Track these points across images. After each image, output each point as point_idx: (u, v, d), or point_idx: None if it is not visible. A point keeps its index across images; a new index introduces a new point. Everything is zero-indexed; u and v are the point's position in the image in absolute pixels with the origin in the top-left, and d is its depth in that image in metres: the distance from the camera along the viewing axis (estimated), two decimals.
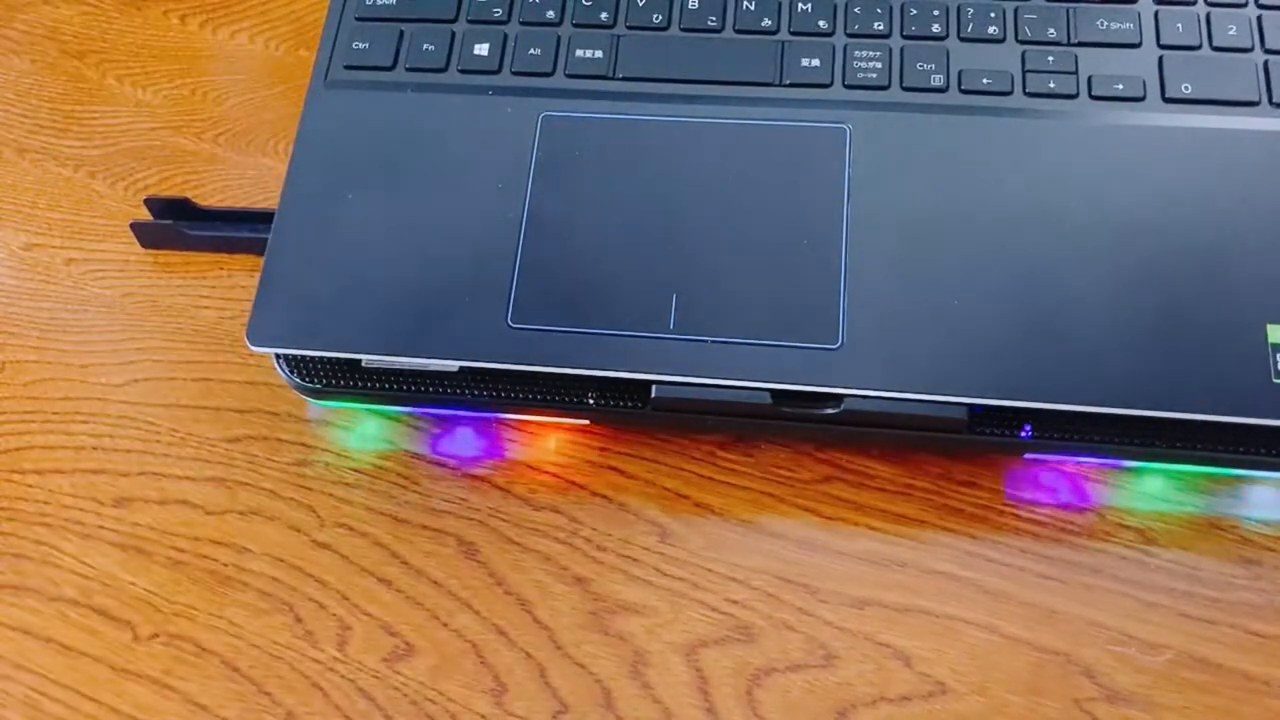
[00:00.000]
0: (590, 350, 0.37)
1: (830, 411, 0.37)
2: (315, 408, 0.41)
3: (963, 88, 0.40)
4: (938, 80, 0.41)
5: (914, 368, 0.36)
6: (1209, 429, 0.36)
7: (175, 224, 0.44)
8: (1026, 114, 0.40)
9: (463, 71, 0.43)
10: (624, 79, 0.42)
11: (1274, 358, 0.35)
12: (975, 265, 0.37)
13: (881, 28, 0.42)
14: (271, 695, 0.36)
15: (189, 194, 0.46)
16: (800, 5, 0.43)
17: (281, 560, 0.39)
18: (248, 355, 0.43)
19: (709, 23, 0.43)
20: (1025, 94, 0.40)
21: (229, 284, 0.45)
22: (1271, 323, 0.36)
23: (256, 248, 0.44)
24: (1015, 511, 0.38)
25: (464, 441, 0.41)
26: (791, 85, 0.41)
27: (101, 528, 0.40)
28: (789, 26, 0.42)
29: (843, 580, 0.37)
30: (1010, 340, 0.36)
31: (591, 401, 0.39)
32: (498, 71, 0.43)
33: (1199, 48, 0.41)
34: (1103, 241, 0.37)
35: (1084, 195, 0.38)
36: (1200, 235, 0.37)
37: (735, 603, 0.37)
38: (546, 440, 0.40)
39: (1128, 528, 0.37)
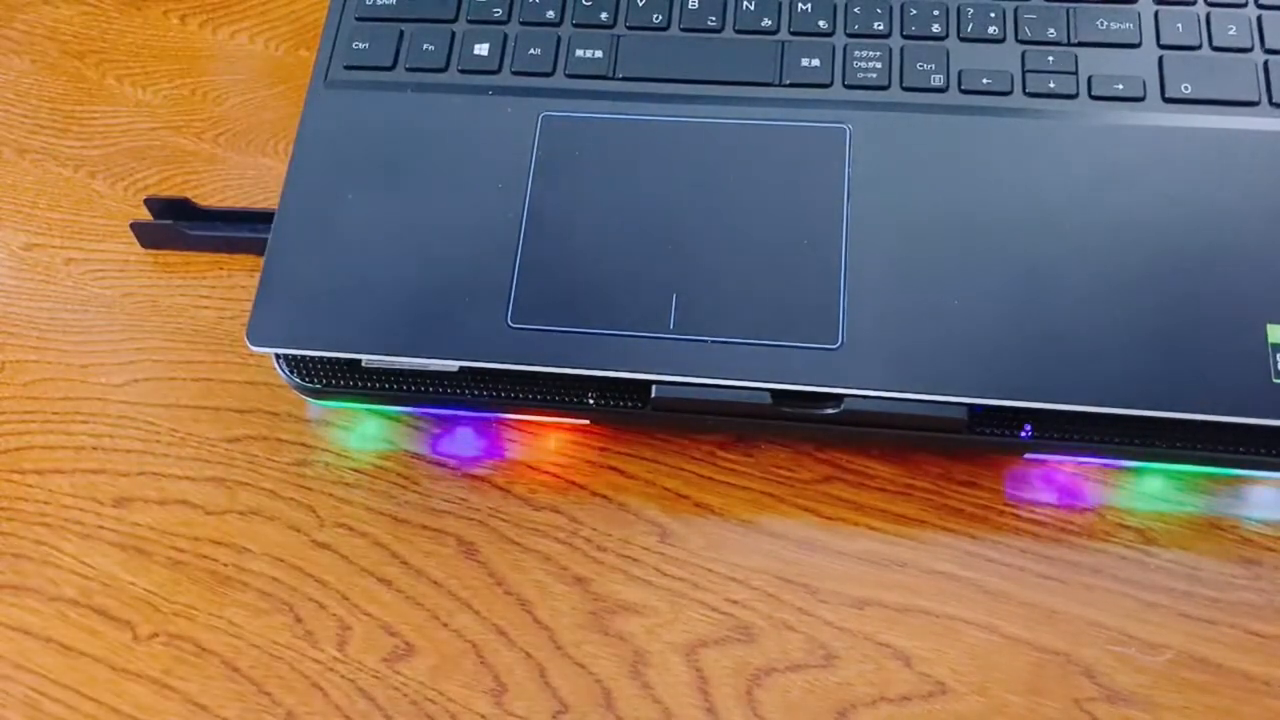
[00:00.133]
0: (590, 350, 0.37)
1: (830, 411, 0.37)
2: (315, 408, 0.41)
3: (963, 88, 0.40)
4: (938, 80, 0.41)
5: (914, 368, 0.36)
6: (1209, 429, 0.36)
7: (175, 224, 0.44)
8: (1026, 114, 0.40)
9: (463, 71, 0.43)
10: (624, 79, 0.42)
11: (1274, 358, 0.35)
12: (975, 265, 0.37)
13: (881, 28, 0.42)
14: (271, 695, 0.36)
15: (189, 194, 0.46)
16: (800, 5, 0.43)
17: (281, 560, 0.39)
18: (248, 355, 0.43)
19: (709, 23, 0.43)
20: (1025, 94, 0.40)
21: (229, 284, 0.45)
22: (1271, 323, 0.36)
23: (256, 248, 0.44)
24: (1015, 511, 0.38)
25: (464, 441, 0.41)
26: (791, 85, 0.41)
27: (101, 528, 0.40)
28: (789, 26, 0.42)
29: (843, 580, 0.37)
30: (1010, 340, 0.36)
31: (591, 401, 0.39)
32: (498, 71, 0.43)
33: (1199, 48, 0.41)
34: (1102, 241, 0.37)
35: (1084, 195, 0.38)
36: (1200, 235, 0.37)
37: (735, 603, 0.37)
38: (546, 440, 0.40)
39: (1128, 528, 0.37)
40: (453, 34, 0.43)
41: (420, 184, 0.40)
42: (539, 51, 0.43)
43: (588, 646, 0.37)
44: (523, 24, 0.43)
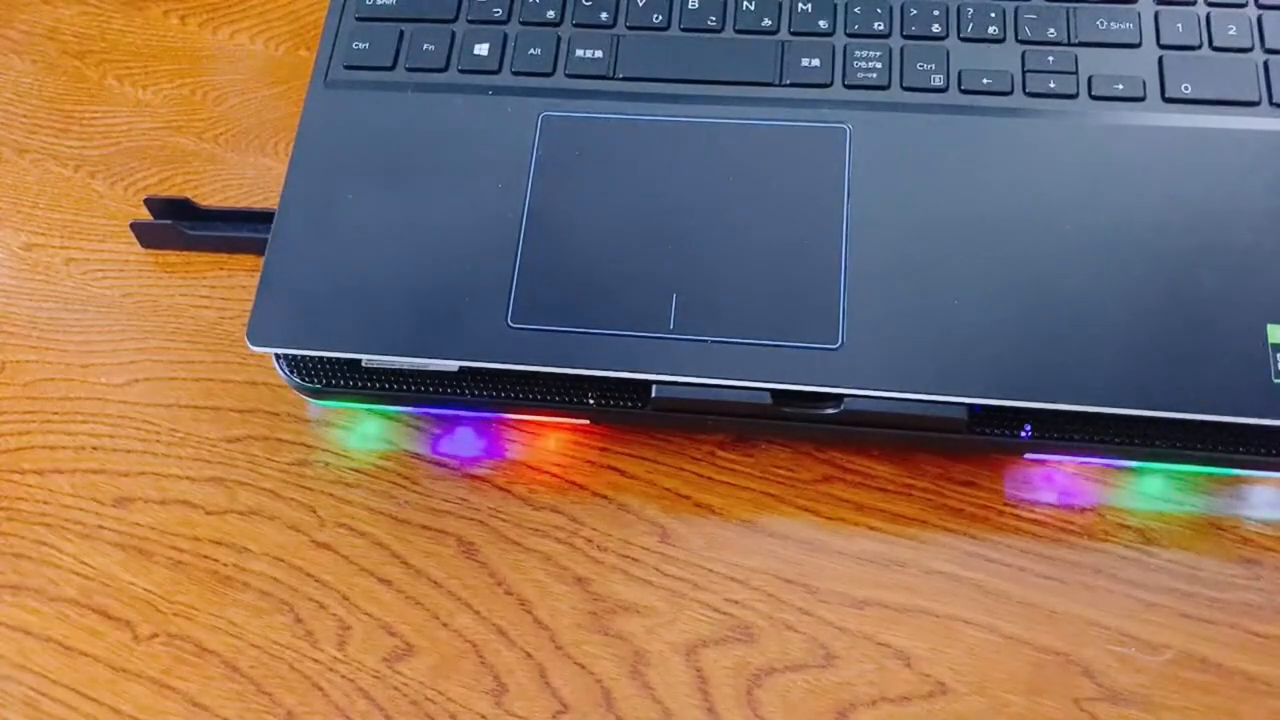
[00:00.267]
0: (590, 350, 0.37)
1: (830, 411, 0.37)
2: (315, 408, 0.41)
3: (963, 88, 0.40)
4: (938, 80, 0.41)
5: (914, 368, 0.36)
6: (1209, 429, 0.36)
7: (175, 224, 0.44)
8: (1026, 114, 0.40)
9: (463, 71, 0.43)
10: (624, 79, 0.42)
11: (1274, 358, 0.35)
12: (975, 265, 0.37)
13: (881, 28, 0.42)
14: (271, 695, 0.36)
15: (189, 194, 0.46)
16: (800, 5, 0.43)
17: (281, 560, 0.39)
18: (248, 355, 0.43)
19: (709, 23, 0.43)
20: (1025, 94, 0.40)
21: (229, 284, 0.45)
22: (1271, 323, 0.36)
23: (256, 248, 0.44)
24: (1015, 511, 0.38)
25: (464, 441, 0.41)
26: (791, 85, 0.41)
27: (101, 528, 0.40)
28: (789, 26, 0.42)
29: (843, 580, 0.37)
30: (1010, 340, 0.36)
31: (591, 401, 0.39)
32: (498, 71, 0.43)
33: (1199, 48, 0.41)
34: (1102, 241, 0.37)
35: (1084, 195, 0.38)
36: (1200, 235, 0.37)
37: (735, 603, 0.37)
38: (546, 440, 0.40)
39: (1128, 528, 0.37)
40: (453, 34, 0.43)
41: (420, 184, 0.40)
42: (539, 51, 0.43)
43: (588, 646, 0.37)
44: (523, 24, 0.43)
